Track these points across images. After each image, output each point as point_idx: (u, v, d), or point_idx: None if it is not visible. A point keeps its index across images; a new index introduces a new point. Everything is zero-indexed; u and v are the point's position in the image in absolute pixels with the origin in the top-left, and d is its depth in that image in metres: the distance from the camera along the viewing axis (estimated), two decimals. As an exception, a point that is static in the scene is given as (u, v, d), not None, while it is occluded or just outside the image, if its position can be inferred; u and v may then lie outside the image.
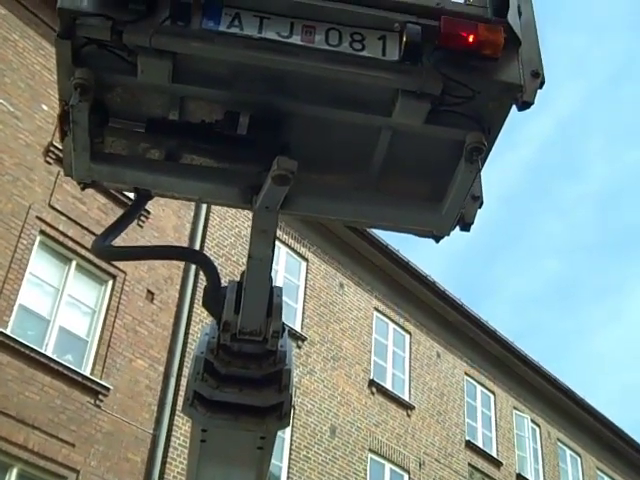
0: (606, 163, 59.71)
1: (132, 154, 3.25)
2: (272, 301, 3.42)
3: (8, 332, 12.48)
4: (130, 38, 2.74)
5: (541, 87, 3.01)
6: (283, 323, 3.48)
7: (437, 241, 3.50)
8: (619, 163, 58.75)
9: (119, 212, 14.03)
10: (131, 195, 11.82)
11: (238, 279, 3.54)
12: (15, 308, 12.83)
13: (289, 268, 17.89)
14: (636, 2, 50.35)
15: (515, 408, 23.29)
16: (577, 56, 53.34)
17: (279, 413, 3.73)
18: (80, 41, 2.80)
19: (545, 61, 3.10)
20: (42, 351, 12.87)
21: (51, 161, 13.91)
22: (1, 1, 14.17)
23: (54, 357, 12.99)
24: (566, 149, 59.65)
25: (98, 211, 14.28)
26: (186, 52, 2.81)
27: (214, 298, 3.48)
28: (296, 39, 2.80)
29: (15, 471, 12.10)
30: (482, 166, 3.12)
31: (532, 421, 23.66)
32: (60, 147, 12.19)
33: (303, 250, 18.46)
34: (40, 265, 13.55)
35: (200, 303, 15.12)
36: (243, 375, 3.60)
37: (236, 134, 3.00)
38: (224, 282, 3.57)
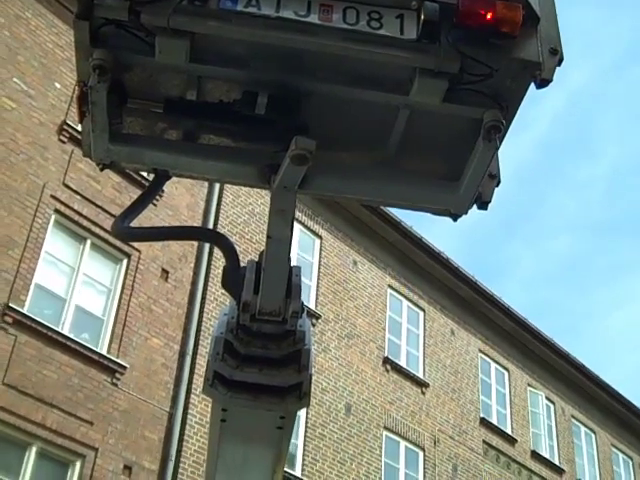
0: (618, 142, 59.16)
1: (150, 134, 3.24)
2: (291, 281, 3.42)
3: (25, 311, 12.60)
4: (148, 18, 2.74)
5: (560, 64, 2.99)
6: (302, 303, 3.49)
7: (455, 220, 3.49)
8: (631, 143, 58.18)
9: (133, 190, 14.11)
10: (145, 173, 11.72)
11: (256, 258, 3.56)
12: (31, 287, 12.93)
13: (302, 245, 17.92)
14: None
15: (529, 385, 23.33)
16: (590, 32, 52.83)
17: (299, 393, 3.75)
18: (98, 22, 2.79)
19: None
20: (59, 330, 12.99)
21: (65, 140, 13.95)
22: (14, -21, 14.16)
23: (71, 336, 13.11)
24: (578, 127, 59.19)
25: (112, 190, 14.33)
26: (204, 32, 2.80)
27: (233, 278, 3.49)
28: (313, 18, 2.79)
29: (34, 449, 12.24)
30: (500, 144, 3.10)
31: (546, 398, 23.71)
32: (73, 125, 12.15)
33: (316, 227, 18.48)
34: (55, 244, 13.64)
35: (214, 281, 15.21)
36: (262, 355, 3.62)
37: (254, 114, 2.99)
38: (241, 261, 3.59)
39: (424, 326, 20.64)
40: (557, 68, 2.97)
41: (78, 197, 13.90)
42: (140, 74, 3.03)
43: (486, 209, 3.47)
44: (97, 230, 13.90)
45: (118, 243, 13.81)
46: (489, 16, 2.77)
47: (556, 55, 2.96)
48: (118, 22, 2.78)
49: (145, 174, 13.22)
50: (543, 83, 2.95)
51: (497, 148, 3.09)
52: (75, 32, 2.86)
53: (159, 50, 2.82)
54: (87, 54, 2.86)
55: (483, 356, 22.27)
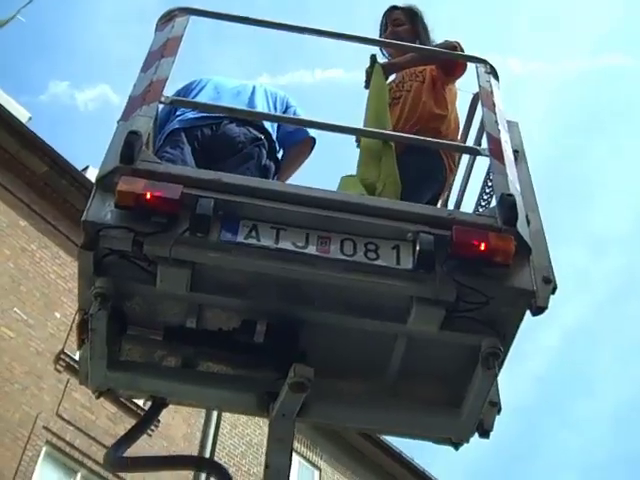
0: (617, 379, 58.50)
1: (148, 362, 3.24)
2: None
3: None
4: (150, 249, 2.80)
5: (554, 292, 3.06)
6: None
7: (456, 448, 3.42)
8: (630, 379, 57.42)
9: (128, 421, 13.80)
10: (141, 403, 11.53)
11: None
12: (17, 523, 12.36)
13: (302, 476, 17.33)
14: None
15: None
16: (581, 271, 54.03)
17: None
18: (102, 252, 2.86)
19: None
20: None
21: (61, 369, 13.86)
22: (22, 214, 14.65)
23: None
24: (575, 363, 58.78)
25: (107, 420, 14.05)
26: (204, 262, 2.87)
27: None
28: (312, 249, 2.85)
29: None
30: (499, 371, 3.10)
31: None
32: (71, 355, 12.04)
33: (315, 459, 17.96)
34: (45, 477, 13.17)
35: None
36: None
37: (253, 342, 3.01)
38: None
39: None
40: (551, 296, 3.04)
41: (71, 428, 13.59)
42: (141, 302, 3.07)
43: (488, 438, 3.41)
44: (89, 463, 13.46)
45: (110, 476, 13.35)
46: (483, 247, 2.85)
47: (549, 283, 3.03)
48: (121, 252, 2.85)
49: (141, 404, 13.03)
50: (538, 310, 3.00)
51: (496, 375, 3.09)
52: (79, 262, 2.92)
53: (160, 279, 2.86)
54: (90, 283, 2.91)
55: None
